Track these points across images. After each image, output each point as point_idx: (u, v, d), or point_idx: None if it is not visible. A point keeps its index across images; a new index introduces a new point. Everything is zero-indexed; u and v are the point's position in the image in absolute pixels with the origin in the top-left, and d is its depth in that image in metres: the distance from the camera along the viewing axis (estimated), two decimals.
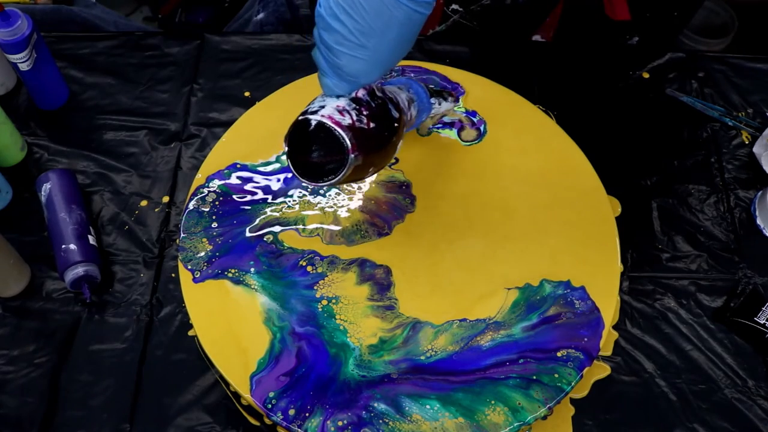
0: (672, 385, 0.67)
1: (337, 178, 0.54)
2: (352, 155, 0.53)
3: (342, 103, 0.54)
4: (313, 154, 0.55)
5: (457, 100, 0.69)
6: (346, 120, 0.53)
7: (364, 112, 0.54)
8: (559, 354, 0.59)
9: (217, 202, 0.68)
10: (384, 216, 0.67)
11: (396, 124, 0.58)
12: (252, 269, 0.64)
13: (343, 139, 0.53)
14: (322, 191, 0.69)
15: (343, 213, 0.67)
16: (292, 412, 0.57)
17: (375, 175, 0.69)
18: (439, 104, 0.68)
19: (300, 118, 0.54)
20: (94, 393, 0.66)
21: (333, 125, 0.52)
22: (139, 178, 0.79)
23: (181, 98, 0.86)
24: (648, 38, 0.93)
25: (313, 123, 0.53)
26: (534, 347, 0.59)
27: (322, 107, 0.54)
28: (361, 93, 0.55)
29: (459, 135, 0.73)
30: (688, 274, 0.73)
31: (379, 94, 0.57)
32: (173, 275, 0.72)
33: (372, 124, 0.55)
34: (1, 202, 0.76)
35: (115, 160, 0.81)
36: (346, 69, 0.52)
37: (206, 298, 0.62)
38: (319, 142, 0.54)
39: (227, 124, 0.74)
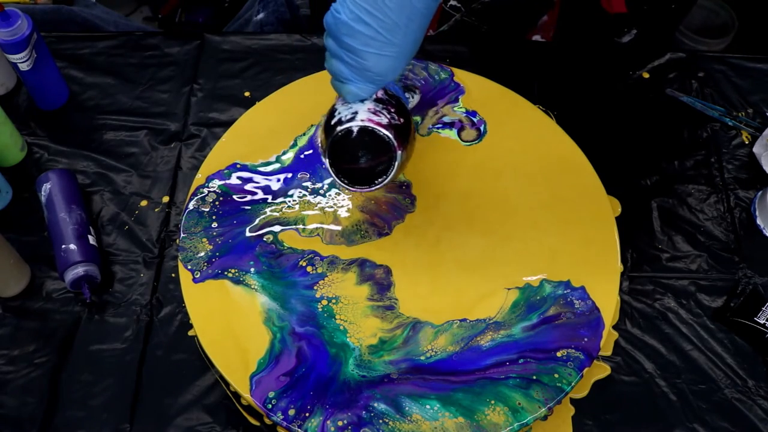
0: (672, 385, 0.67)
1: (388, 178, 0.56)
2: (399, 152, 0.54)
3: (371, 105, 0.55)
4: (360, 160, 0.56)
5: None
6: (384, 120, 0.54)
7: (392, 110, 0.56)
8: (559, 354, 0.59)
9: (217, 202, 0.68)
10: (384, 216, 0.67)
11: (411, 116, 0.60)
12: (252, 269, 0.64)
13: (389, 138, 0.54)
14: (321, 191, 0.69)
15: (343, 213, 0.67)
16: (292, 412, 0.57)
17: None
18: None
19: (340, 128, 0.55)
20: (94, 393, 0.66)
21: (377, 127, 0.53)
22: (139, 178, 0.79)
23: (181, 98, 0.86)
24: (645, 33, 0.93)
25: (356, 130, 0.54)
26: (534, 347, 0.59)
27: (355, 113, 0.55)
28: (380, 93, 0.56)
29: (459, 135, 0.73)
30: (688, 274, 0.73)
31: (390, 91, 0.58)
32: (173, 275, 0.72)
33: (401, 119, 0.56)
34: (1, 202, 0.76)
35: (115, 160, 0.81)
36: (374, 69, 0.53)
37: (206, 298, 0.62)
38: (363, 147, 0.55)
39: (227, 124, 0.74)
